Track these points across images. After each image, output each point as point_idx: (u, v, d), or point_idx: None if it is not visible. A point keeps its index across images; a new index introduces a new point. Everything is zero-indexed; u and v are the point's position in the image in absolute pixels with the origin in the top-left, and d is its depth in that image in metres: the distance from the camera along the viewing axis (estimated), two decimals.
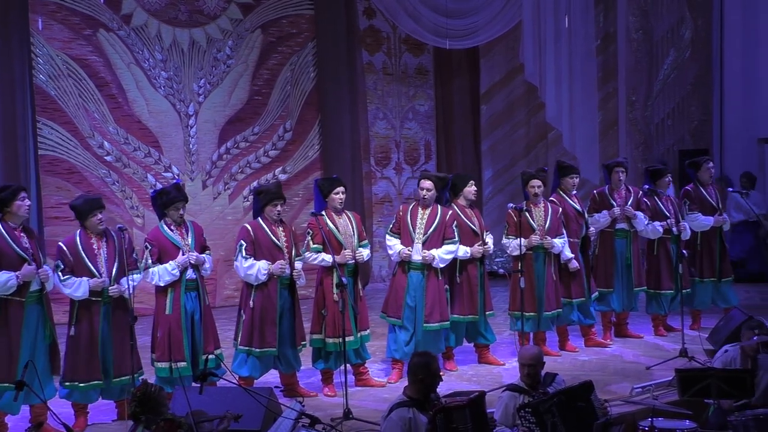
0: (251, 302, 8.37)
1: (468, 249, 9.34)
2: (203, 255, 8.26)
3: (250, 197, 13.53)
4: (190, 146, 13.26)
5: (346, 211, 8.91)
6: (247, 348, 8.38)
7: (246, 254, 8.29)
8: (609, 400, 7.37)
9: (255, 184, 13.64)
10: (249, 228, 8.42)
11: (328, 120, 14.10)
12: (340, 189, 8.77)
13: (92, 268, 7.79)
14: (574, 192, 10.29)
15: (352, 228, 8.80)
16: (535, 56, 14.26)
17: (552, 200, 10.09)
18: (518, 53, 14.79)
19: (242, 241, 8.34)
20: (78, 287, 7.75)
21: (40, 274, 7.62)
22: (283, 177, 13.90)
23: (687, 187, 11.03)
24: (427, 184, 9.15)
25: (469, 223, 9.44)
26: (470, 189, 9.53)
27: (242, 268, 8.32)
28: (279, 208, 8.47)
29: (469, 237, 9.41)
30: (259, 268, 8.29)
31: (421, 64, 15.41)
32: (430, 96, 15.54)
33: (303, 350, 8.68)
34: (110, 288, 7.79)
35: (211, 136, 13.43)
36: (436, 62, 15.48)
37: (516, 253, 9.39)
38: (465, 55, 15.48)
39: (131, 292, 7.84)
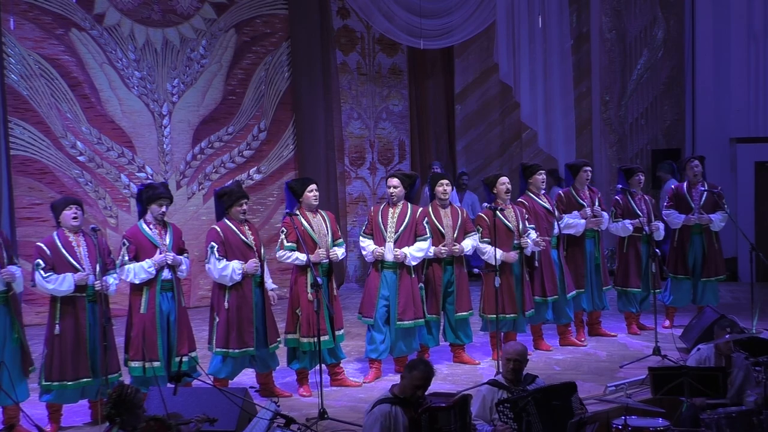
0: (226, 303, 8.33)
1: (432, 249, 9.34)
2: (180, 256, 8.23)
3: None
4: (164, 146, 13.20)
5: (320, 211, 8.90)
6: (224, 350, 8.33)
7: (219, 255, 8.27)
8: (583, 399, 7.40)
9: (228, 184, 13.59)
10: (218, 229, 8.39)
11: (302, 120, 14.09)
12: (313, 186, 8.78)
13: (74, 263, 7.76)
14: (543, 191, 10.29)
15: (327, 227, 8.80)
16: (510, 56, 14.32)
17: (520, 201, 10.11)
18: (492, 53, 14.83)
19: (213, 243, 8.31)
20: (63, 282, 7.70)
21: (1, 274, 7.54)
22: (257, 177, 13.89)
23: (673, 185, 11.17)
24: (393, 181, 9.19)
25: (437, 223, 9.42)
26: (439, 188, 9.51)
27: (216, 269, 8.28)
28: (245, 207, 8.48)
29: (436, 237, 9.40)
30: (233, 269, 8.27)
31: (396, 64, 15.43)
32: (404, 96, 15.56)
33: (277, 349, 8.66)
34: (96, 283, 7.74)
35: (185, 136, 13.38)
36: (411, 62, 15.49)
37: (493, 260, 9.37)
38: (439, 55, 15.51)
39: (108, 291, 7.84)
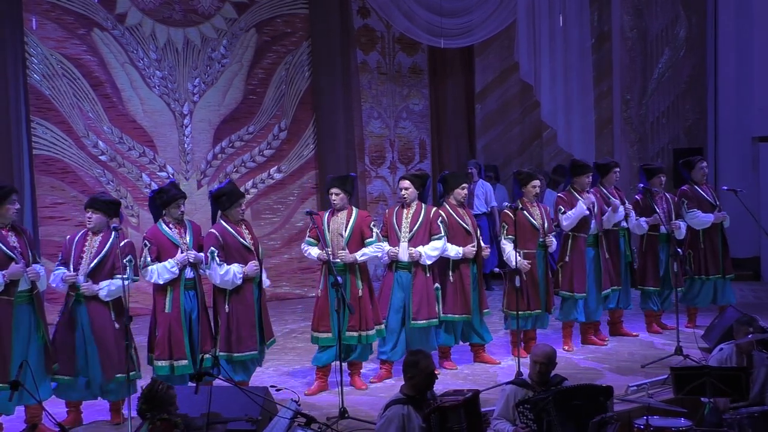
0: (227, 307, 8.28)
1: (460, 249, 9.34)
2: (201, 254, 8.23)
3: (246, 196, 13.53)
4: (185, 146, 13.25)
5: (353, 209, 8.85)
6: (227, 353, 8.28)
7: (219, 261, 8.19)
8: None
9: (250, 183, 13.65)
10: (216, 233, 8.28)
11: (322, 119, 14.10)
12: (332, 190, 8.77)
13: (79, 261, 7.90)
14: (589, 190, 10.23)
15: (347, 227, 8.75)
16: (530, 55, 14.27)
17: (560, 197, 10.11)
18: (513, 52, 14.80)
19: (212, 248, 8.20)
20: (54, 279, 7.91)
21: (28, 273, 7.58)
22: (278, 176, 13.92)
23: (683, 187, 11.09)
24: (405, 183, 9.19)
25: (461, 222, 9.43)
26: (461, 191, 9.52)
27: (218, 275, 8.18)
28: (243, 207, 8.51)
29: (462, 237, 9.40)
30: (234, 273, 8.20)
31: (416, 63, 15.42)
32: (424, 95, 15.55)
33: (274, 344, 8.80)
34: (82, 285, 7.80)
35: (205, 135, 13.42)
36: (431, 61, 15.48)
37: (511, 261, 9.35)
38: (459, 54, 15.49)
39: (100, 295, 7.88)
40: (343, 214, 8.79)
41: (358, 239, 8.76)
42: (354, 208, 8.88)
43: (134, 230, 12.72)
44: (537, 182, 9.73)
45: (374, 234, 8.84)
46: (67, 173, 12.48)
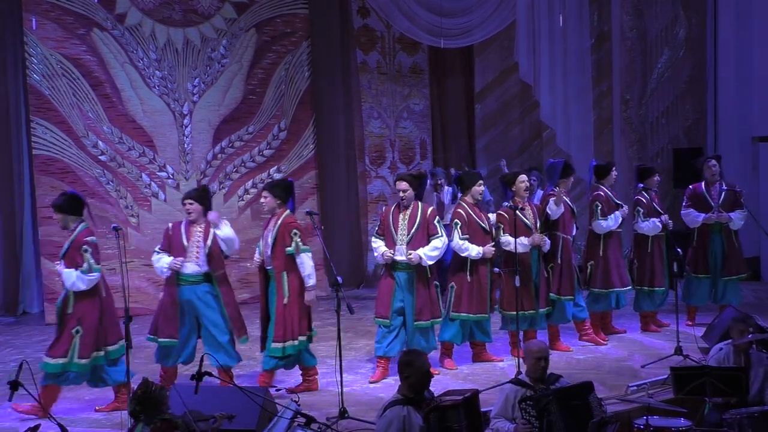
0: (161, 293, 8.68)
1: (481, 249, 9.27)
2: (65, 269, 8.11)
3: (245, 196, 13.55)
4: (185, 145, 13.24)
5: (284, 213, 8.62)
6: (153, 336, 8.58)
7: (159, 249, 8.59)
8: (604, 399, 7.37)
9: (250, 183, 13.65)
10: (169, 226, 8.72)
11: (322, 119, 14.11)
12: (263, 193, 8.78)
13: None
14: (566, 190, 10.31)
15: (272, 233, 8.61)
16: (530, 55, 14.26)
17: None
18: (513, 52, 14.80)
19: (163, 237, 8.72)
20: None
21: None
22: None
23: (691, 185, 11.14)
24: (402, 185, 9.05)
25: (479, 221, 9.36)
26: (478, 188, 9.44)
27: (153, 260, 8.64)
28: (186, 206, 8.61)
29: (480, 236, 9.34)
30: (163, 263, 8.51)
31: (416, 63, 15.42)
32: (425, 95, 15.55)
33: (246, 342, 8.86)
34: None
35: (205, 135, 13.42)
36: (431, 61, 15.48)
37: (521, 249, 9.32)
38: (459, 54, 15.49)
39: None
40: (273, 221, 8.65)
41: (281, 247, 8.54)
42: (285, 212, 8.63)
43: (134, 230, 12.72)
44: (523, 176, 9.71)
45: (293, 243, 8.50)
46: (67, 173, 12.48)
